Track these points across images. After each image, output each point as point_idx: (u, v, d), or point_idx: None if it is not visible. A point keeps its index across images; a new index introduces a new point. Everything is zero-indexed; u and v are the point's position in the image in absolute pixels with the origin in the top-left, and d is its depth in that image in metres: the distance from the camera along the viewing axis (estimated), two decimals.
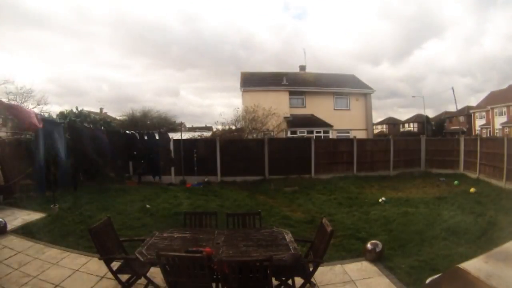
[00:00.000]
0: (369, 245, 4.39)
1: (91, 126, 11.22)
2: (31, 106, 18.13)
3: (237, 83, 21.28)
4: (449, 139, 17.43)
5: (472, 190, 9.12)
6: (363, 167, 12.99)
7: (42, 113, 13.08)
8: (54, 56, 52.32)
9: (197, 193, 9.57)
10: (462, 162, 12.75)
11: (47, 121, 6.59)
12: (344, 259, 4.44)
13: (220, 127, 17.03)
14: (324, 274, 3.87)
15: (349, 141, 13.71)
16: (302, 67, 23.27)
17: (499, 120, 32.72)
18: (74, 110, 12.93)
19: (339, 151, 13.09)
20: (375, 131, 41.94)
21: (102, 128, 11.41)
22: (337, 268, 4.13)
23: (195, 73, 71.90)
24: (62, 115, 12.36)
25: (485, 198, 8.20)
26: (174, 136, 13.25)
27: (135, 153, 11.22)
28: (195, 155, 11.85)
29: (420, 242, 5.04)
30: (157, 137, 11.70)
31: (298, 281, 3.32)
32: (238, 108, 17.41)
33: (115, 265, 3.48)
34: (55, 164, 7.34)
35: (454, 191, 9.35)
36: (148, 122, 21.59)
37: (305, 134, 17.22)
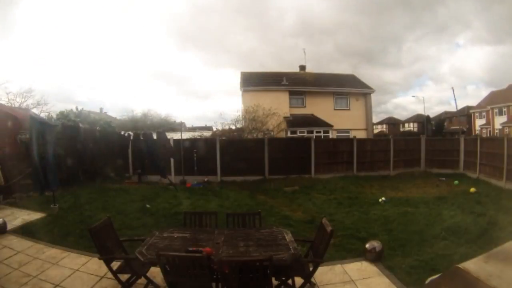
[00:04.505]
0: (369, 245, 4.38)
1: (88, 126, 11.24)
2: (31, 106, 18.15)
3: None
4: (449, 139, 17.42)
5: (472, 190, 9.11)
6: (363, 167, 12.99)
7: (39, 113, 13.10)
8: None
9: (197, 193, 9.57)
10: (462, 162, 12.75)
11: (39, 122, 6.49)
12: (344, 259, 4.43)
13: (220, 127, 17.08)
14: (324, 274, 3.87)
15: (349, 141, 13.71)
16: (302, 67, 23.24)
17: (499, 120, 32.68)
18: (74, 110, 12.97)
19: (339, 151, 13.08)
20: (375, 131, 41.90)
21: (97, 128, 11.41)
22: (337, 268, 4.13)
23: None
24: (62, 114, 12.41)
25: (485, 198, 8.19)
26: (174, 136, 13.26)
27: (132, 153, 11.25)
28: (195, 155, 11.84)
29: (420, 242, 5.03)
30: (155, 137, 11.73)
31: (298, 281, 3.32)
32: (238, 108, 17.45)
33: (115, 265, 3.48)
34: (44, 164, 7.27)
35: (454, 191, 9.34)
36: (148, 122, 21.67)
37: (305, 134, 17.20)
